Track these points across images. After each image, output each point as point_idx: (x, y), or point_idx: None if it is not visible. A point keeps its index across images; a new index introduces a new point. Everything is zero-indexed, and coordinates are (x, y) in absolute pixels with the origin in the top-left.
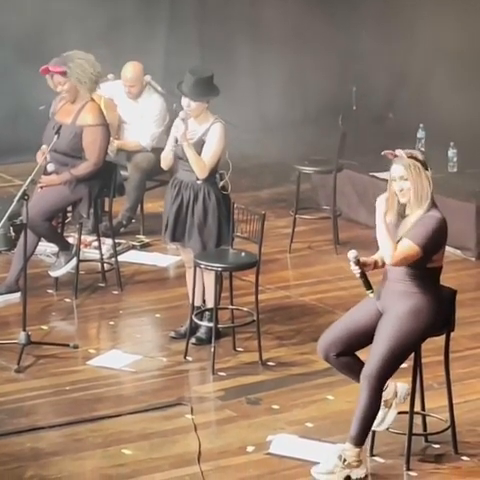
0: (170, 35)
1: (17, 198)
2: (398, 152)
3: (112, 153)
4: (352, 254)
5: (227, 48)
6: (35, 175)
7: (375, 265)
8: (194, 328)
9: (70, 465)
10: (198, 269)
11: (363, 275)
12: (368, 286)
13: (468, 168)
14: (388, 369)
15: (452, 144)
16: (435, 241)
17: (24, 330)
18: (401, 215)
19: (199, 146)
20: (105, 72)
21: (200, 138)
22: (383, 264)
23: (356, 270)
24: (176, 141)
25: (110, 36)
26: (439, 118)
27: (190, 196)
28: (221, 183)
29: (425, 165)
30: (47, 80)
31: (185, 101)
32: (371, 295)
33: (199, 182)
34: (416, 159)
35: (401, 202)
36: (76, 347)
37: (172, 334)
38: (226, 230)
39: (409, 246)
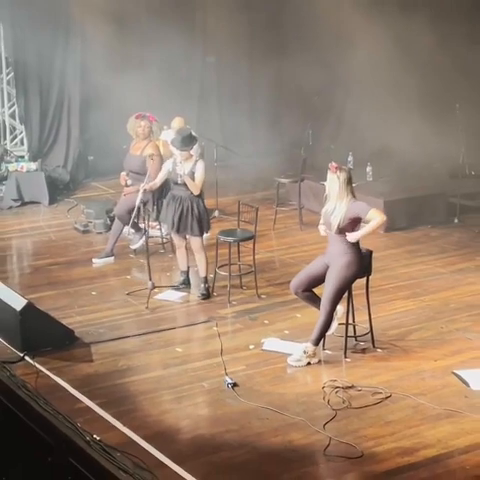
0: (200, 102)
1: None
2: (333, 164)
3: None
4: (322, 229)
5: (234, 107)
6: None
7: None
8: (188, 284)
9: (145, 358)
10: (185, 249)
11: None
12: None
13: (379, 178)
14: (335, 300)
15: (369, 164)
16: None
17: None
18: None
19: (191, 176)
20: (162, 125)
21: (190, 171)
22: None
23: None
24: (180, 176)
25: (165, 103)
26: (361, 148)
27: (188, 204)
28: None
29: (342, 178)
30: (129, 123)
31: (177, 151)
32: None
33: (192, 195)
34: (340, 171)
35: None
36: (153, 287)
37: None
38: (209, 219)
39: (373, 211)
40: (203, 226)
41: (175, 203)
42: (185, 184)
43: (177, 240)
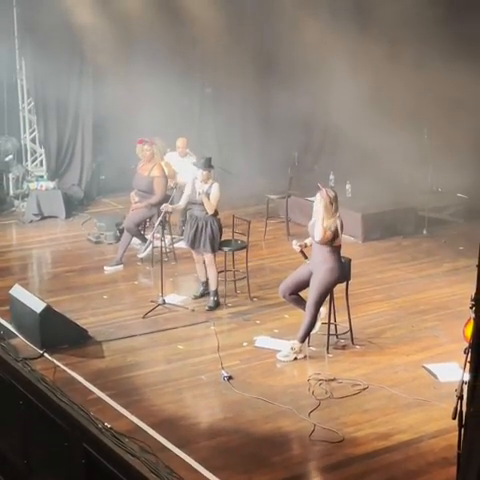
0: (199, 127)
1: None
2: (320, 186)
3: (170, 190)
4: (295, 244)
5: (229, 132)
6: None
7: (306, 245)
8: (203, 294)
9: (150, 354)
10: (203, 263)
11: (301, 251)
12: (305, 257)
13: (357, 194)
14: (319, 302)
15: (348, 181)
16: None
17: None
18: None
19: (207, 196)
20: (166, 147)
21: (207, 191)
22: (310, 245)
23: (297, 249)
24: (199, 194)
25: (168, 128)
26: (341, 168)
27: (203, 223)
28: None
29: (329, 200)
30: (137, 148)
31: (199, 172)
32: (307, 262)
33: (207, 215)
34: (327, 195)
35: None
36: (163, 302)
37: (192, 296)
38: (220, 237)
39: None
40: (215, 244)
41: (191, 221)
42: (201, 204)
43: (195, 255)
